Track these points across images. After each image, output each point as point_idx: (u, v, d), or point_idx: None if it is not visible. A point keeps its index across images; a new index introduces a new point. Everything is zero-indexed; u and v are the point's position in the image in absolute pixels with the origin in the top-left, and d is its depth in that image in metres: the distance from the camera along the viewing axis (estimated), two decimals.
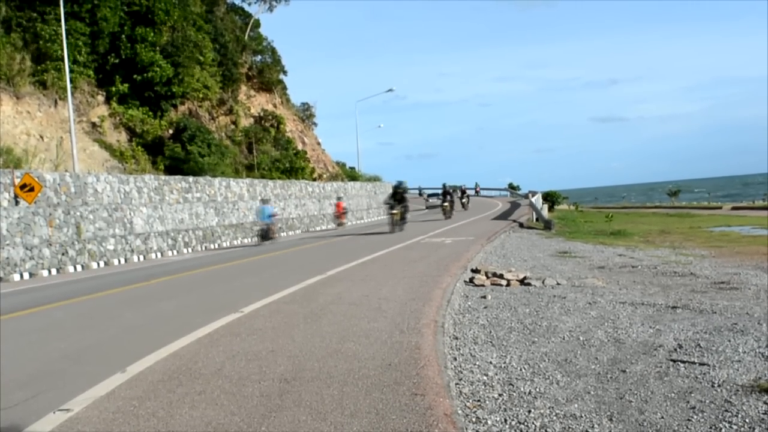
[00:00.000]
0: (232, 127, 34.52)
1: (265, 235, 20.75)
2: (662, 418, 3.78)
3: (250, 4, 43.06)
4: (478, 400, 4.18)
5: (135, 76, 27.35)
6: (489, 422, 3.76)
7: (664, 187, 68.44)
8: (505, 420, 3.80)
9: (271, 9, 44.12)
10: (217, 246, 21.69)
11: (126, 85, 27.42)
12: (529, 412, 3.93)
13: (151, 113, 28.30)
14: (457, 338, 6.01)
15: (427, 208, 43.60)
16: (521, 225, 24.44)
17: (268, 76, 40.89)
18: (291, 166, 34.99)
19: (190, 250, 20.45)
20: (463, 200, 38.61)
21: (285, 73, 43.60)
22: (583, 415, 3.86)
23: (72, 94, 21.62)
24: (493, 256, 13.76)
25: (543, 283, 9.24)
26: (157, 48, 27.97)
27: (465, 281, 9.61)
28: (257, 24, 42.63)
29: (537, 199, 30.63)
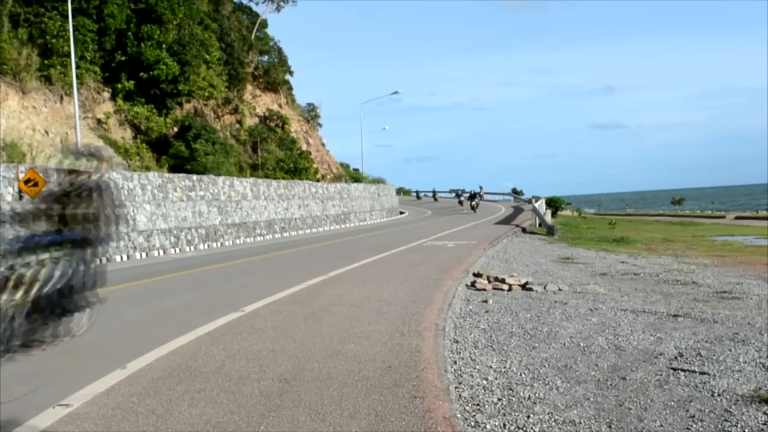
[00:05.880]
0: (237, 126, 34.54)
1: None
2: (661, 426, 3.78)
3: (257, 4, 43.11)
4: (478, 404, 4.18)
5: (141, 73, 27.38)
6: (488, 426, 3.76)
7: (665, 196, 68.19)
8: (504, 425, 3.80)
9: (278, 9, 44.15)
10: (219, 245, 21.70)
11: (132, 82, 27.46)
12: (528, 417, 3.93)
13: (156, 111, 28.33)
14: (457, 342, 6.01)
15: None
16: (524, 230, 24.42)
17: (274, 76, 40.90)
18: (295, 166, 34.97)
19: (192, 248, 20.47)
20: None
21: (291, 73, 43.63)
22: (582, 421, 3.86)
23: (78, 90, 21.64)
24: (495, 261, 13.75)
25: (545, 288, 9.23)
26: (164, 46, 28.00)
27: (466, 285, 9.61)
28: (264, 24, 42.69)
29: (540, 205, 30.61)
